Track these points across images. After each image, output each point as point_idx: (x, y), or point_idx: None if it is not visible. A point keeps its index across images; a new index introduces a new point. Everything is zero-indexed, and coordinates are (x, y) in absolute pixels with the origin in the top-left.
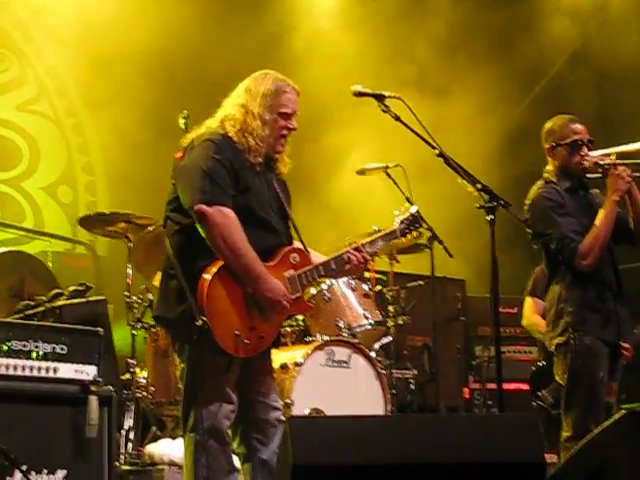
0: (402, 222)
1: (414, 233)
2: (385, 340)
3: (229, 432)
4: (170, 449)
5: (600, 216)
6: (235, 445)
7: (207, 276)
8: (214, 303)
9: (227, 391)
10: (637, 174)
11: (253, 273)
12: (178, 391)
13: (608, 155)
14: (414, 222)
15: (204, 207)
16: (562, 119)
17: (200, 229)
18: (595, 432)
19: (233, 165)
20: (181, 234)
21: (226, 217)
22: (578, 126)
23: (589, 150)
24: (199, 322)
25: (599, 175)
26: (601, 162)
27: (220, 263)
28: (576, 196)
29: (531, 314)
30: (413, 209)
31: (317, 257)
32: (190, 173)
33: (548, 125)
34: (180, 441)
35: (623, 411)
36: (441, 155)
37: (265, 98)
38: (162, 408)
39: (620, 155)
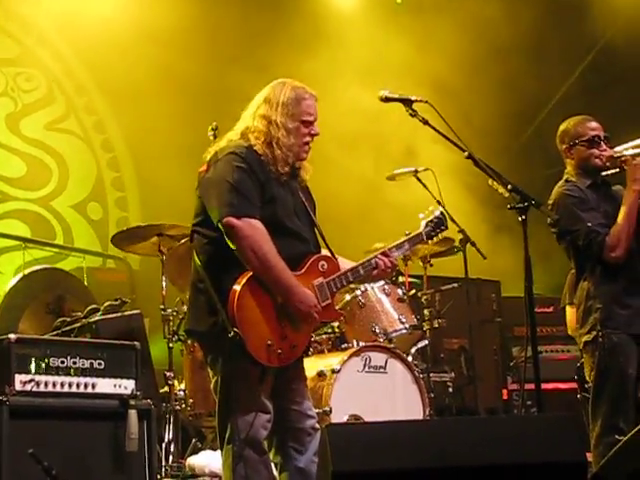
0: (427, 225)
1: (440, 235)
2: (421, 344)
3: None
4: (211, 460)
5: (623, 207)
6: (271, 455)
7: (237, 287)
8: (245, 314)
9: (263, 401)
10: None
11: (284, 284)
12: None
13: (625, 149)
14: (439, 224)
15: (233, 220)
16: (576, 119)
17: (229, 242)
18: (636, 429)
19: (259, 177)
20: (209, 247)
21: (255, 229)
22: (593, 123)
23: (607, 146)
24: (231, 334)
25: (617, 170)
26: (618, 155)
27: (249, 274)
28: (598, 192)
29: (574, 322)
30: (437, 212)
31: (345, 263)
32: (216, 186)
33: (563, 126)
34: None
35: None
36: (470, 157)
37: (286, 107)
38: (201, 420)
39: (636, 148)
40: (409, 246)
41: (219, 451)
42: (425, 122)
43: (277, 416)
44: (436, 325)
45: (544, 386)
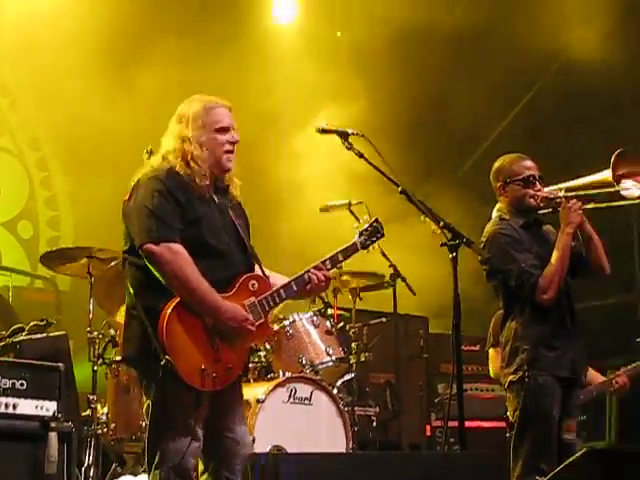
0: (362, 234)
1: (375, 245)
2: (347, 377)
3: (199, 467)
4: None
5: (555, 250)
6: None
7: (166, 312)
8: (175, 339)
9: (194, 428)
10: (588, 206)
11: (209, 304)
12: (139, 427)
13: (559, 190)
14: (375, 233)
15: (152, 246)
16: (511, 157)
17: (152, 268)
18: (556, 471)
19: (179, 198)
20: (138, 273)
21: (175, 253)
22: (528, 162)
23: (541, 185)
24: (162, 361)
25: (550, 210)
26: (552, 196)
27: (177, 299)
28: (531, 231)
29: (498, 365)
30: (373, 220)
31: (279, 279)
32: (136, 213)
33: (497, 164)
34: (141, 478)
35: (584, 450)
36: (404, 192)
37: (195, 120)
38: (123, 444)
39: (570, 189)
40: (343, 257)
41: (139, 477)
42: (360, 155)
43: (212, 442)
44: (363, 359)
45: (467, 424)
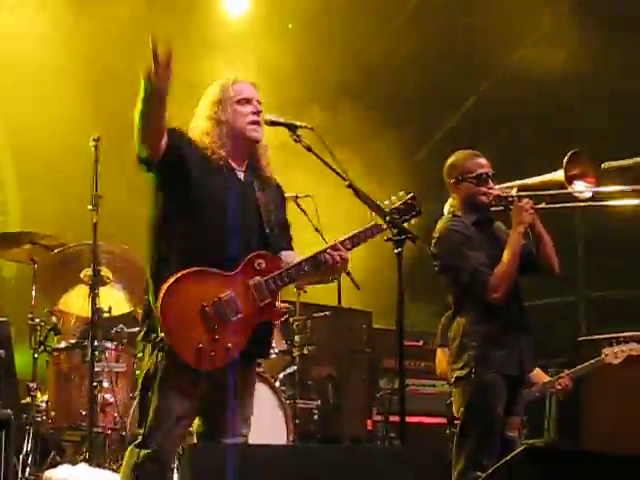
0: (392, 212)
1: (411, 222)
2: (290, 370)
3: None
4: (69, 475)
5: (507, 248)
6: None
7: (164, 287)
8: (172, 315)
9: (185, 409)
10: (539, 206)
11: None
12: (79, 416)
13: (511, 188)
14: (409, 210)
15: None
16: (465, 154)
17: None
18: (495, 467)
19: (186, 150)
20: (149, 243)
21: None
22: (482, 160)
23: (493, 183)
24: (157, 337)
25: (502, 208)
26: (504, 195)
27: (182, 273)
28: (482, 229)
29: (444, 364)
30: (409, 196)
31: (295, 259)
32: None
33: (451, 160)
34: (80, 467)
35: (523, 447)
36: (351, 186)
37: (216, 97)
38: (62, 433)
39: (522, 188)
40: (365, 237)
41: (78, 465)
42: (309, 149)
43: (207, 425)
44: (306, 352)
45: (409, 419)
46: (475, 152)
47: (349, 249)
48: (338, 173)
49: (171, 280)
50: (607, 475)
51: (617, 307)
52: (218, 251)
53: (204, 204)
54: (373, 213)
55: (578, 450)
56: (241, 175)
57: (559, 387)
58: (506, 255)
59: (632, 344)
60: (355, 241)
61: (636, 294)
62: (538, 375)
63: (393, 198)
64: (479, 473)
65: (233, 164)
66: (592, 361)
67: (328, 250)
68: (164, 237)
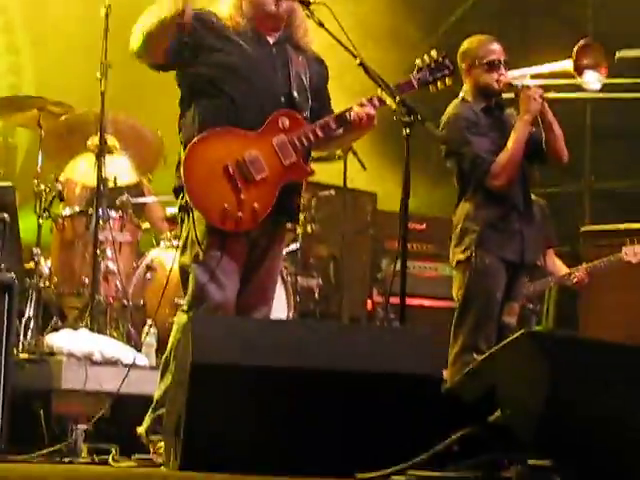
0: (420, 70)
1: (439, 83)
2: (293, 247)
3: None
4: (70, 340)
5: (512, 136)
6: None
7: (189, 148)
8: (196, 176)
9: (218, 276)
10: (549, 95)
11: None
12: (82, 283)
13: (524, 76)
14: (441, 69)
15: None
16: (479, 39)
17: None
18: (493, 350)
19: (202, 36)
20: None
21: None
22: (494, 46)
23: (505, 70)
24: (182, 197)
25: (513, 95)
26: (514, 82)
27: (200, 136)
28: (491, 115)
29: None
30: (441, 54)
31: None
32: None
33: (465, 45)
34: (81, 332)
35: (522, 332)
36: (362, 64)
37: None
38: (64, 299)
39: (535, 76)
40: (394, 95)
41: (80, 330)
42: (320, 25)
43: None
44: (309, 230)
45: (409, 301)
46: (489, 37)
47: (376, 107)
48: (349, 50)
49: (194, 141)
50: (603, 361)
51: (622, 199)
52: (243, 112)
53: (230, 71)
54: (383, 93)
55: (577, 336)
56: (271, 40)
57: (575, 280)
58: (510, 143)
59: None
60: (382, 99)
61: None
62: (557, 267)
63: (425, 57)
64: (475, 355)
65: (263, 32)
66: (611, 257)
67: (354, 107)
68: (192, 107)
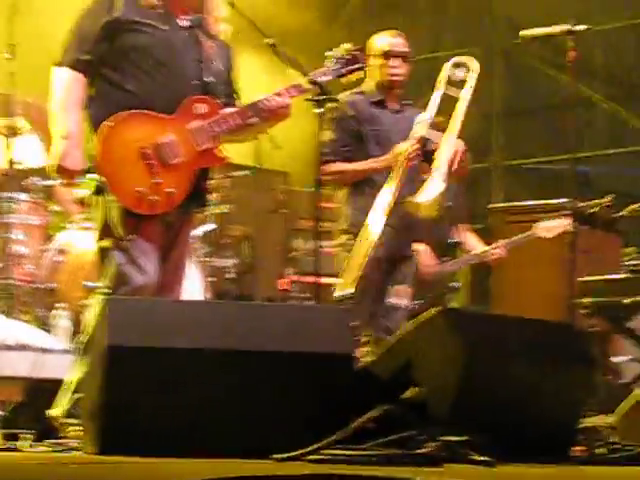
0: (337, 61)
1: (352, 76)
2: (208, 227)
3: None
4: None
5: (368, 164)
6: None
7: (102, 128)
8: (111, 158)
9: (137, 259)
10: None
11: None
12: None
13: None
14: (353, 62)
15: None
16: (382, 33)
17: None
18: (408, 328)
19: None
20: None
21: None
22: (392, 40)
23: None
24: (95, 180)
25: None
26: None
27: (115, 117)
28: (381, 109)
29: None
30: (355, 48)
31: None
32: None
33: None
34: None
35: (436, 309)
36: (273, 46)
37: None
38: None
39: None
40: (310, 83)
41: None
42: (232, 5)
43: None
44: (223, 211)
45: (323, 280)
46: (392, 31)
47: (292, 96)
48: (260, 31)
49: (108, 122)
50: (514, 336)
51: (532, 176)
52: (156, 96)
53: (143, 52)
54: (294, 71)
55: (489, 313)
56: (183, 23)
57: (493, 257)
58: (358, 166)
59: (564, 220)
60: (299, 88)
61: (551, 163)
62: (474, 244)
63: (337, 50)
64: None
65: (174, 13)
66: (528, 233)
67: (270, 96)
68: (101, 86)
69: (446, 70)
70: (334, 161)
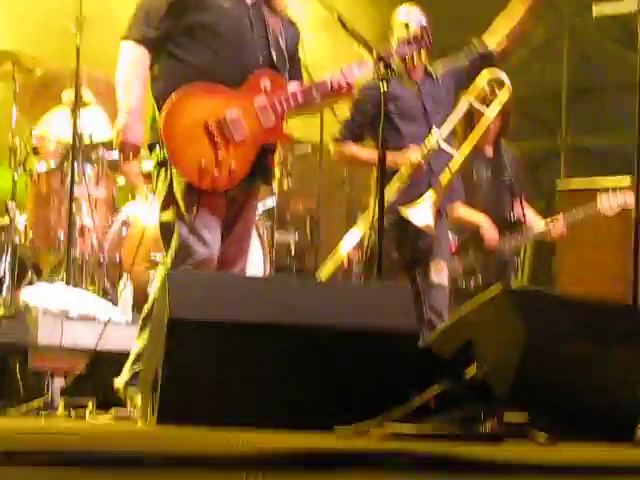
0: (401, 43)
1: (419, 55)
2: (269, 203)
3: None
4: (46, 295)
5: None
6: None
7: (169, 101)
8: (175, 132)
9: (200, 232)
10: None
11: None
12: (57, 239)
13: None
14: (419, 41)
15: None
16: None
17: None
18: (470, 307)
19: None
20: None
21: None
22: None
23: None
24: (160, 153)
25: None
26: None
27: (181, 90)
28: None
29: None
30: (421, 27)
31: None
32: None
33: None
34: (57, 285)
35: (498, 288)
36: (340, 20)
37: None
38: (40, 255)
39: None
40: (370, 48)
41: (56, 283)
42: None
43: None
44: (285, 186)
45: None
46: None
47: (357, 75)
48: (327, 6)
49: (173, 96)
50: (574, 316)
51: (600, 156)
52: (221, 71)
53: (208, 27)
54: (361, 48)
55: (550, 293)
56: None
57: (555, 233)
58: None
59: (626, 196)
60: (362, 68)
61: (618, 144)
62: (533, 219)
63: (401, 29)
64: None
65: None
66: (588, 207)
67: (334, 74)
68: (163, 59)
69: (482, 81)
70: (342, 140)
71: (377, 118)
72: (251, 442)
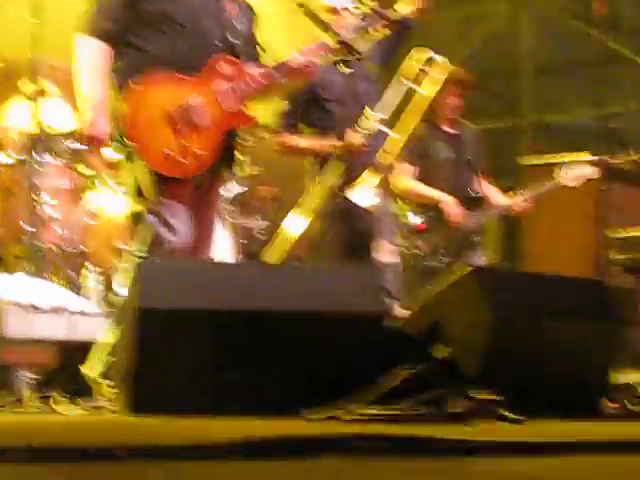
0: (362, 18)
1: (376, 33)
2: (237, 189)
3: None
4: (13, 287)
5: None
6: None
7: (127, 92)
8: (138, 122)
9: (170, 221)
10: None
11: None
12: (21, 230)
13: None
14: (376, 18)
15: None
16: None
17: None
18: (439, 287)
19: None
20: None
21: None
22: None
23: None
24: (125, 144)
25: None
26: None
27: (141, 81)
28: None
29: None
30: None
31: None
32: None
33: None
34: (18, 276)
35: (466, 268)
36: (301, 5)
37: None
38: (5, 246)
39: None
40: (333, 32)
41: (16, 274)
42: None
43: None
44: (251, 172)
45: None
46: None
47: (313, 53)
48: None
49: (133, 86)
50: (542, 294)
51: (562, 133)
52: (180, 58)
53: (165, 16)
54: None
55: (518, 271)
56: None
57: (518, 208)
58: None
59: (587, 168)
60: (324, 47)
61: (582, 119)
62: (496, 195)
63: (360, 6)
64: None
65: None
66: (550, 181)
67: (294, 54)
68: (124, 53)
69: (411, 61)
70: (280, 132)
71: (309, 104)
72: (223, 430)
